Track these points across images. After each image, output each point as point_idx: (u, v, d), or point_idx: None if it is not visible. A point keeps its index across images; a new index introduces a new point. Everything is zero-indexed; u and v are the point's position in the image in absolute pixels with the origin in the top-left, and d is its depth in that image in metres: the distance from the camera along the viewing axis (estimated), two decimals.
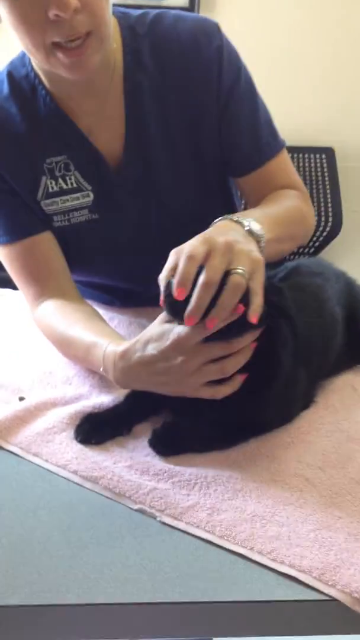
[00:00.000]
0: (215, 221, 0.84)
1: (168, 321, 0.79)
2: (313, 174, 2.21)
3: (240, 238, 0.78)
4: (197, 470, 0.79)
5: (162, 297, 0.75)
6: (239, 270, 0.72)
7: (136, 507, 0.74)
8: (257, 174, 1.08)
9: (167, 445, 0.82)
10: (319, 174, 2.21)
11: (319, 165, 2.22)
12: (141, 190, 1.06)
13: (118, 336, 0.93)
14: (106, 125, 1.03)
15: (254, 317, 0.72)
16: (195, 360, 0.77)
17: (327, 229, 2.17)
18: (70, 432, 0.85)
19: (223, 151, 1.07)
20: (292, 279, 0.95)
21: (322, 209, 2.18)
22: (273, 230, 0.88)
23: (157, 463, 0.80)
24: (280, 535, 0.70)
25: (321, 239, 2.17)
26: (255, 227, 0.83)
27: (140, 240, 1.10)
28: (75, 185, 1.04)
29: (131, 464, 0.80)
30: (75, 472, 0.79)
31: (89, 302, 1.10)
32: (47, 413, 0.89)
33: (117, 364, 0.84)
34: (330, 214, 2.18)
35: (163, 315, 0.80)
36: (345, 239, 2.21)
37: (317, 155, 2.23)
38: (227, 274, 0.72)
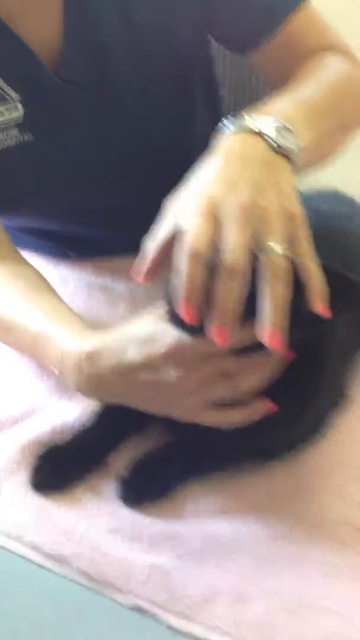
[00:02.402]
0: (219, 131, 0.56)
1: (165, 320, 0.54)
2: None
3: (262, 178, 0.51)
4: (209, 530, 0.56)
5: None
6: (272, 246, 0.48)
7: (128, 602, 0.52)
8: (275, 42, 0.76)
9: (143, 494, 0.59)
10: None
11: None
12: (91, 96, 0.75)
13: (78, 320, 0.67)
14: (34, 5, 0.70)
15: (319, 304, 0.48)
16: (196, 376, 0.53)
17: None
18: (23, 476, 0.60)
19: (215, 27, 0.77)
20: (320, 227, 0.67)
21: None
22: (313, 126, 0.61)
23: (151, 522, 0.57)
24: (339, 635, 0.49)
25: None
26: (286, 137, 0.55)
27: (95, 167, 0.80)
28: None
29: (116, 526, 0.56)
30: (34, 548, 0.55)
31: (34, 256, 0.81)
32: None
33: (83, 368, 0.59)
34: None
35: (160, 313, 0.55)
36: None
37: None
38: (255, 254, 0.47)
